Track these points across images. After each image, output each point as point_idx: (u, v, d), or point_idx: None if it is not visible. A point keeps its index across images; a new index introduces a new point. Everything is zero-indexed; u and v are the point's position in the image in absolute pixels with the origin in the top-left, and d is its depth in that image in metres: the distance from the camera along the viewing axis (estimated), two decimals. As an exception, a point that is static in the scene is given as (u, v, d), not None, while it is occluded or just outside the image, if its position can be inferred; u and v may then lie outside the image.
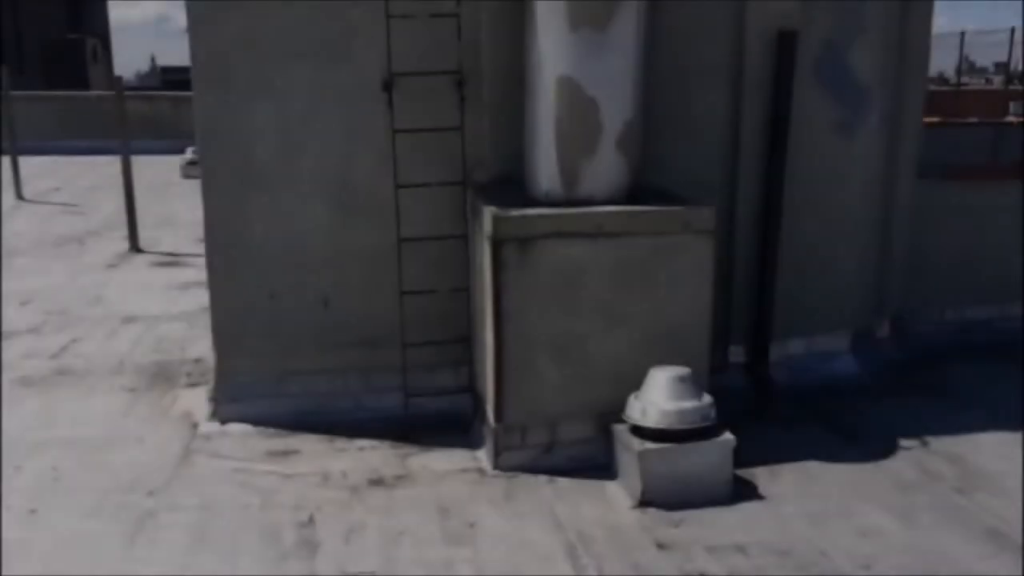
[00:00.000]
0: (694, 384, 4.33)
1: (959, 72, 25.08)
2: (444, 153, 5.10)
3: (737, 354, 5.54)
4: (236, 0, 4.93)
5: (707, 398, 4.33)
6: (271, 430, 5.08)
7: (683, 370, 4.34)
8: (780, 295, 5.46)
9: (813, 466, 4.64)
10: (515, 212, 4.44)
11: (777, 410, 5.26)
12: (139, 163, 11.27)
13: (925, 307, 6.44)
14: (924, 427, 5.07)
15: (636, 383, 4.38)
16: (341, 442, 4.95)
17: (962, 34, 21.51)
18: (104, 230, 11.48)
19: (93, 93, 24.11)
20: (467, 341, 5.22)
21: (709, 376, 4.60)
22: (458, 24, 4.97)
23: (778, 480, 4.47)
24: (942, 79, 27.05)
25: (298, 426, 5.08)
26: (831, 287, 5.78)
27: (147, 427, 5.18)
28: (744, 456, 4.37)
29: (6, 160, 14.29)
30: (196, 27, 4.97)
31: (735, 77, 5.35)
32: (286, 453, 4.83)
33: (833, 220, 5.72)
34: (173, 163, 16.39)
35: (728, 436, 4.30)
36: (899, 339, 6.32)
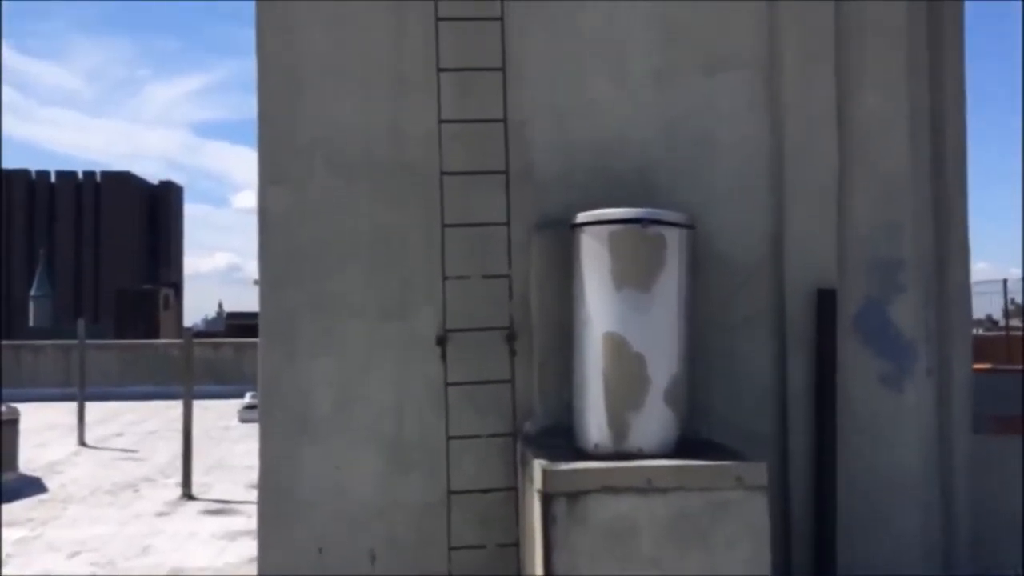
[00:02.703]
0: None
1: (1007, 315, 25.11)
2: (495, 405, 5.23)
3: (800, 616, 5.24)
4: (304, 264, 5.33)
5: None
6: None
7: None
8: (840, 554, 5.24)
9: None
10: (565, 466, 4.45)
11: None
12: (200, 406, 11.61)
13: (997, 567, 6.08)
14: None
15: (693, 650, 4.14)
16: None
17: (1004, 281, 21.80)
18: (159, 476, 11.63)
19: (161, 341, 25.27)
20: (516, 599, 5.05)
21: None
22: (509, 283, 5.26)
23: None
24: (991, 320, 27.05)
25: None
26: (893, 546, 5.54)
27: None
28: None
29: (73, 407, 14.81)
30: (268, 289, 5.35)
31: (778, 329, 5.48)
32: None
33: (891, 476, 5.58)
34: (232, 407, 16.80)
35: None
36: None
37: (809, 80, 5.48)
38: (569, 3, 5.48)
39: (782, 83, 5.49)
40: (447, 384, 5.21)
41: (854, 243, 5.54)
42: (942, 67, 5.90)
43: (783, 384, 5.45)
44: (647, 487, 4.40)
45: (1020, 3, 22.58)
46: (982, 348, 8.64)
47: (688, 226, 4.84)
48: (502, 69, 5.31)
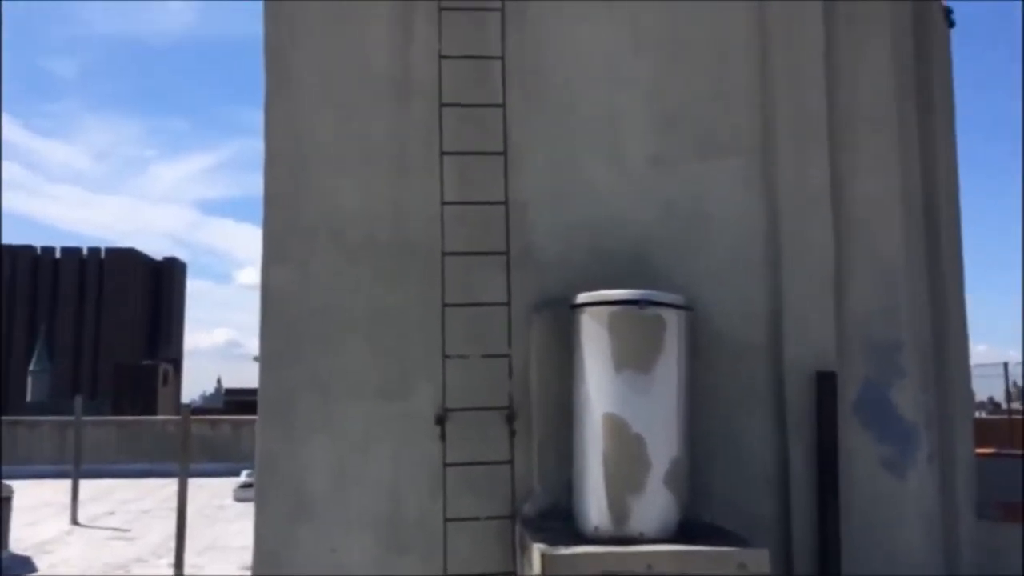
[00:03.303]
0: None
1: (1008, 398, 24.96)
2: (494, 486, 5.18)
3: None
4: (305, 342, 5.35)
5: None
6: None
7: None
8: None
9: None
10: (564, 550, 4.39)
11: None
12: (195, 484, 11.48)
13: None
14: None
15: None
16: None
17: (1005, 364, 21.77)
18: (151, 557, 11.42)
19: (159, 418, 25.10)
20: None
21: None
22: (509, 363, 5.27)
23: None
24: (993, 403, 26.87)
25: None
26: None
27: None
28: None
29: (67, 484, 14.63)
30: (267, 367, 5.36)
31: (778, 411, 5.47)
32: None
33: (894, 562, 5.49)
34: (228, 485, 16.59)
35: None
36: None
37: (803, 165, 5.59)
38: (568, 90, 5.63)
39: (776, 167, 5.60)
40: (446, 464, 5.17)
41: (852, 325, 5.57)
42: (934, 152, 6.04)
43: (785, 467, 5.41)
44: (648, 573, 4.34)
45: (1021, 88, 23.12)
46: (984, 432, 8.58)
47: (686, 308, 4.88)
48: (503, 153, 5.43)
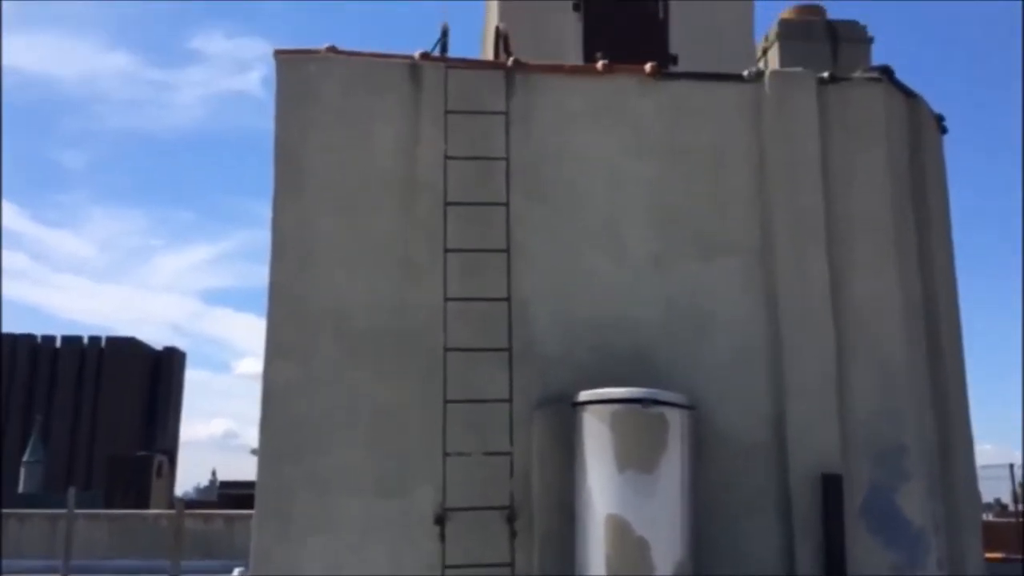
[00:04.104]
0: None
1: (1015, 500, 24.52)
2: (493, 589, 5.05)
3: None
4: (305, 438, 5.31)
5: None
6: None
7: None
8: None
9: None
10: (565, 658, 4.27)
11: None
12: (185, 585, 11.15)
13: None
14: None
15: None
16: None
17: (1011, 466, 21.52)
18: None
19: (151, 512, 24.62)
20: None
21: None
22: (510, 461, 5.22)
23: None
24: (1000, 505, 26.35)
25: None
26: None
27: None
28: None
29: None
30: (266, 462, 5.31)
31: (784, 513, 5.38)
32: None
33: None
34: (219, 584, 16.14)
35: None
36: None
37: (802, 266, 5.65)
38: (570, 190, 5.75)
39: (776, 268, 5.66)
40: (445, 566, 5.06)
41: (856, 427, 5.53)
42: (931, 253, 6.11)
43: (791, 571, 5.29)
44: None
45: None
46: (992, 535, 8.41)
47: (689, 407, 4.87)
48: (506, 250, 5.50)
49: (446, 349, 5.32)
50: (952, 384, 5.95)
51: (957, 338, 6.22)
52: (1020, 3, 34.80)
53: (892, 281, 5.74)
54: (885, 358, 5.64)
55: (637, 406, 4.73)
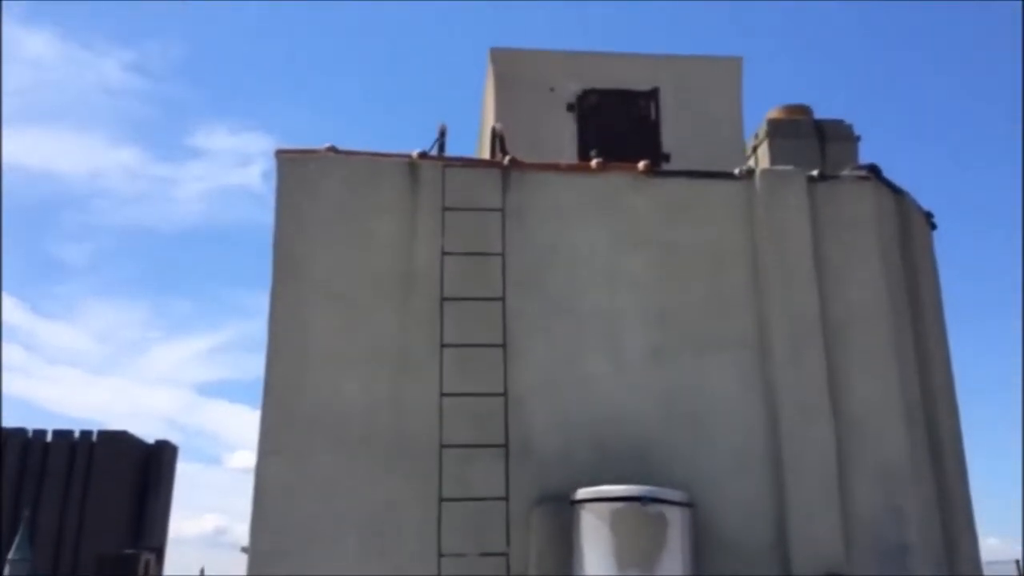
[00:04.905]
0: None
1: (1022, 580, 23.99)
2: None
3: None
4: (297, 540, 5.20)
5: None
6: None
7: None
8: None
9: None
10: None
11: None
12: None
13: None
14: None
15: None
16: None
17: (1017, 562, 21.19)
18: None
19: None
20: None
21: None
22: (507, 561, 5.10)
23: None
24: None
25: None
26: None
27: None
28: None
29: None
30: (257, 564, 5.18)
31: (789, 617, 5.23)
32: None
33: None
34: None
35: None
36: None
37: (799, 363, 5.63)
38: (566, 286, 5.79)
39: (773, 365, 5.65)
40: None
41: (859, 526, 5.42)
42: (928, 349, 6.11)
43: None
44: None
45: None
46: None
47: (689, 504, 4.80)
48: (503, 345, 5.50)
49: (442, 445, 5.26)
50: (954, 478, 5.88)
51: (957, 432, 6.18)
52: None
53: (891, 379, 5.72)
54: (886, 454, 5.58)
55: (637, 504, 4.66)
